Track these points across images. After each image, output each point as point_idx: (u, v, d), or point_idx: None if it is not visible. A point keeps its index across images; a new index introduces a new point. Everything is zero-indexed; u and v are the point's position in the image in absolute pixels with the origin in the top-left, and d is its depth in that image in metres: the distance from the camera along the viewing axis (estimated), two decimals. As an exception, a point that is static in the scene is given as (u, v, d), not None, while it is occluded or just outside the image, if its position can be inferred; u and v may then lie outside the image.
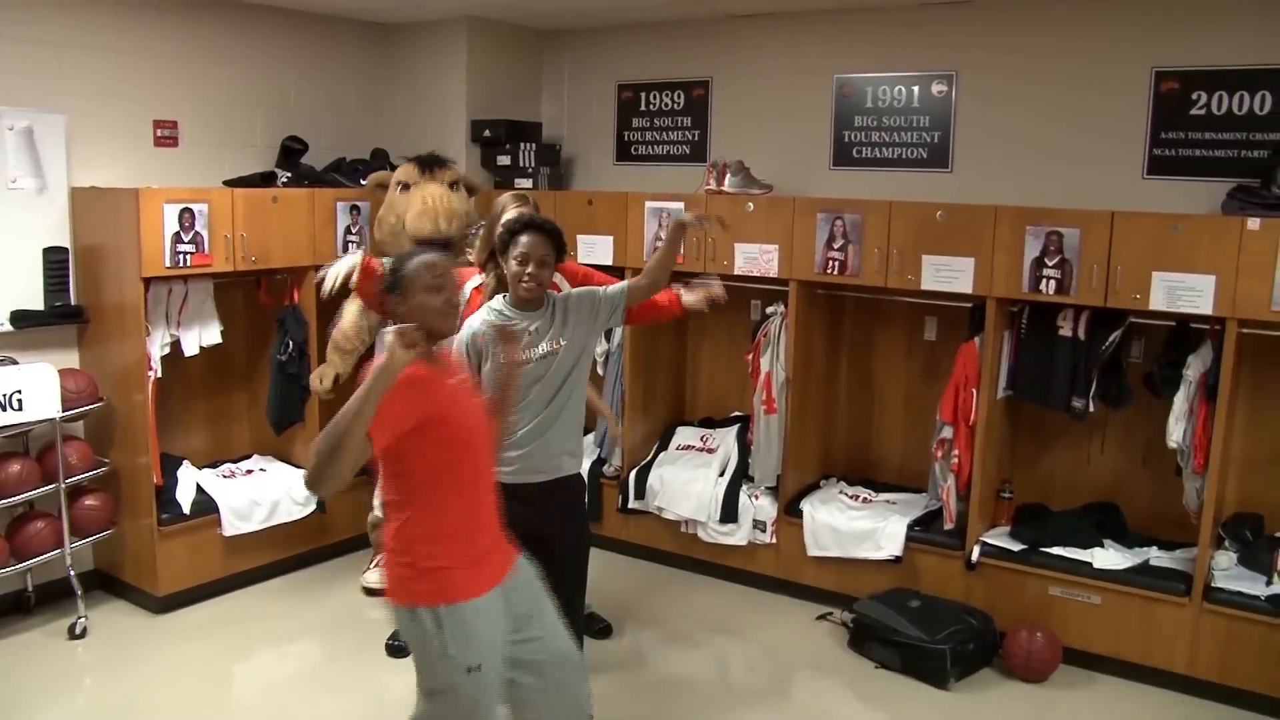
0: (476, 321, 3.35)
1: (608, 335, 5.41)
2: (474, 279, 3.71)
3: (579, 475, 3.60)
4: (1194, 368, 4.23)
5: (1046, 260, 4.32)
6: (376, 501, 4.79)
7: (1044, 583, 4.46)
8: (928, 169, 5.19)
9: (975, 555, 4.58)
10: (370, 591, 4.95)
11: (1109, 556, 4.42)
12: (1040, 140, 4.89)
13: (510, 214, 3.67)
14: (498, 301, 3.40)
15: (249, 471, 5.28)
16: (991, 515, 4.80)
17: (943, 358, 5.04)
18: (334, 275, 3.70)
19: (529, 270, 3.24)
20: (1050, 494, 4.91)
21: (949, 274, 4.55)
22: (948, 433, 4.65)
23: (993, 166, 5.00)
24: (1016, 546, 4.57)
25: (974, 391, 4.55)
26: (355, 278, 3.69)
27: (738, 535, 5.14)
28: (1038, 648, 4.28)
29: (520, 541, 2.95)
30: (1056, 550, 4.50)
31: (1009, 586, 4.53)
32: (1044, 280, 4.33)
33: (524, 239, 3.25)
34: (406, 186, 4.94)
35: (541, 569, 2.99)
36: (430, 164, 4.97)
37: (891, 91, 5.22)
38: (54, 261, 4.72)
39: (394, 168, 5.50)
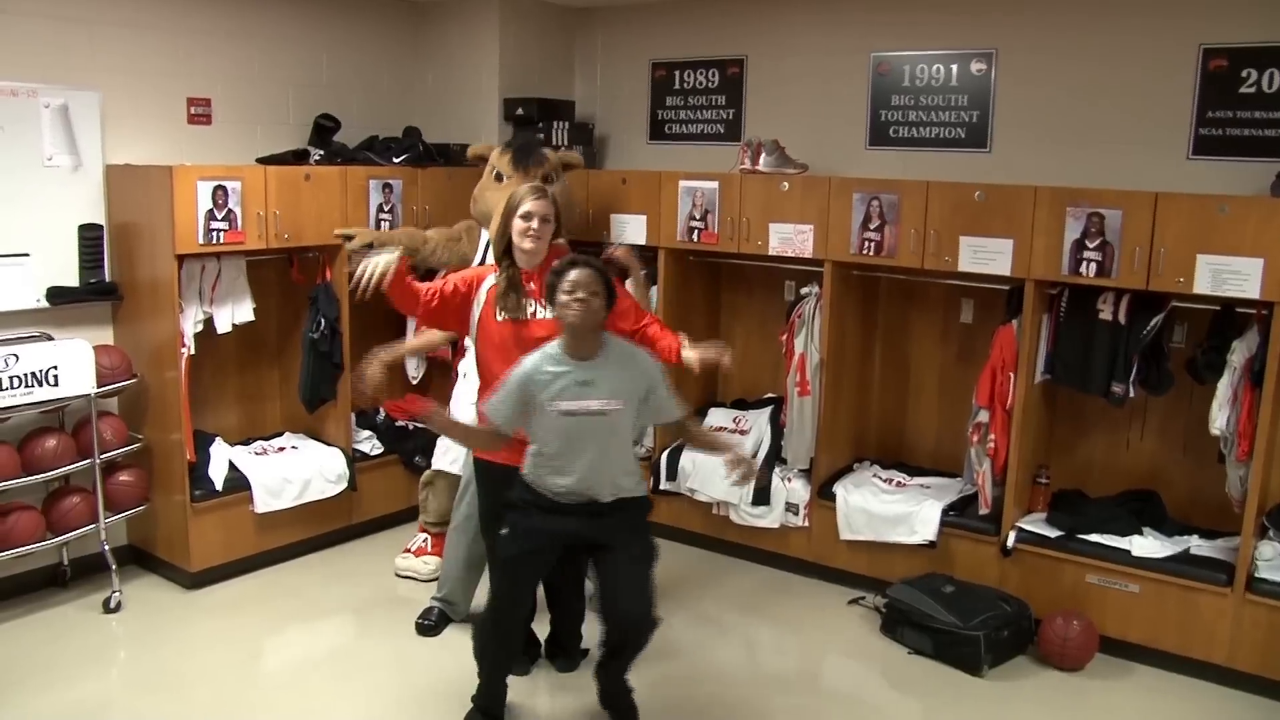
0: (531, 363, 3.38)
1: None
2: (489, 279, 3.72)
3: (644, 497, 3.59)
4: (1239, 353, 4.13)
5: (1087, 242, 4.24)
6: (436, 456, 4.80)
7: (1080, 570, 4.40)
8: (966, 149, 5.12)
9: (1011, 541, 4.52)
10: (403, 576, 4.95)
11: (1148, 544, 4.35)
12: (1082, 119, 4.81)
13: (526, 205, 3.67)
14: (552, 347, 3.39)
15: (281, 449, 5.26)
16: (1028, 501, 4.73)
17: (979, 341, 4.97)
18: (369, 274, 3.60)
19: (577, 297, 3.27)
20: (1087, 480, 4.84)
21: (987, 255, 4.48)
22: (984, 417, 4.60)
23: (1032, 146, 4.92)
24: (1053, 533, 4.50)
25: (1011, 375, 4.49)
26: (389, 280, 3.62)
27: (770, 518, 5.11)
28: (1074, 635, 4.22)
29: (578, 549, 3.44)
30: (1094, 537, 4.43)
31: (1045, 573, 4.48)
32: (1084, 262, 4.25)
33: (572, 274, 3.30)
34: (500, 176, 4.81)
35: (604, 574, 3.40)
36: (525, 160, 4.84)
37: (929, 70, 5.15)
38: (89, 238, 4.71)
39: (426, 149, 5.53)
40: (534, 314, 3.66)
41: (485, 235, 4.80)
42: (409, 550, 5.02)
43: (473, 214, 4.98)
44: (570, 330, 3.32)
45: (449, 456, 4.72)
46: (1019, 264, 4.41)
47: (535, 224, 3.66)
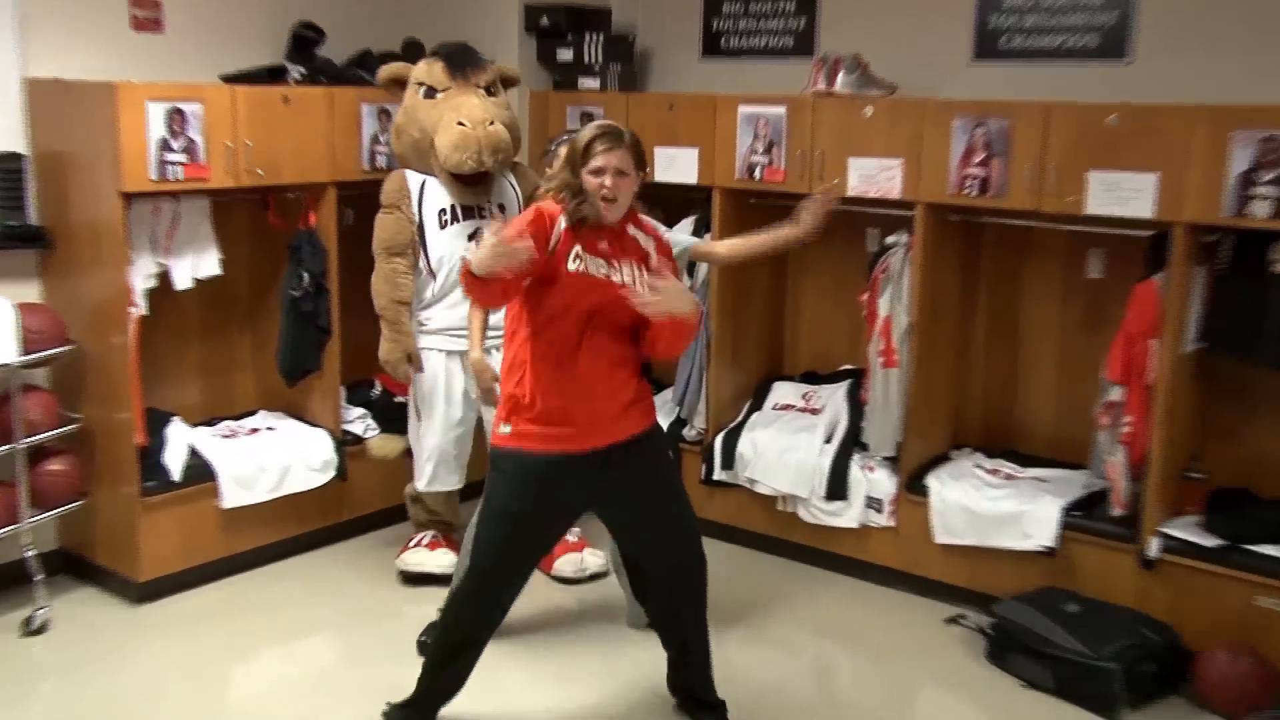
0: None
1: (690, 271, 5.31)
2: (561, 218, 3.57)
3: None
4: None
5: (1259, 175, 4.02)
6: (421, 481, 4.81)
7: (1247, 590, 4.21)
8: (1099, 60, 4.92)
9: (1154, 550, 4.34)
10: (409, 577, 4.85)
11: (1337, 560, 4.11)
12: (1253, 19, 4.61)
13: (596, 159, 3.46)
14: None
15: (254, 430, 5.18)
16: (1175, 500, 4.53)
17: (1110, 301, 4.79)
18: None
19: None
20: (1256, 477, 4.61)
21: (1123, 194, 4.29)
22: (1117, 394, 4.43)
23: (1188, 55, 4.70)
24: (1210, 542, 4.30)
25: (1152, 343, 4.32)
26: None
27: (847, 516, 5.00)
28: (1241, 674, 3.98)
29: None
30: (1264, 549, 4.24)
31: (1200, 593, 4.28)
32: (1255, 200, 4.04)
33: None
34: (432, 91, 4.66)
35: None
36: (461, 63, 4.68)
37: (1053, -42, 4.99)
38: (6, 171, 4.59)
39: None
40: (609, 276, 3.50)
41: (417, 182, 4.66)
42: (416, 543, 4.88)
43: (396, 153, 4.83)
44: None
45: (429, 472, 4.71)
46: (1166, 204, 4.22)
47: (609, 180, 3.47)
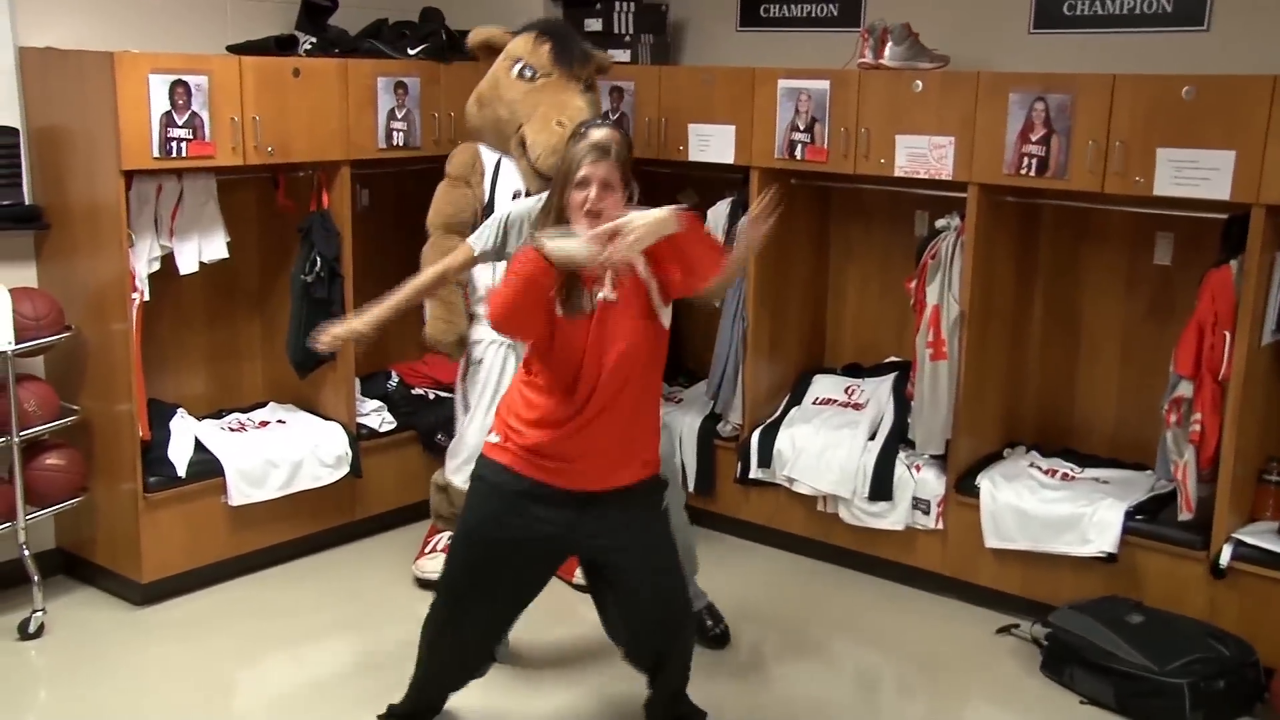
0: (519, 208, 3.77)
1: None
2: None
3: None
4: None
5: None
6: (450, 469, 4.77)
7: None
8: (1171, 27, 4.81)
9: (1226, 558, 4.25)
10: (427, 584, 4.76)
11: None
12: None
13: (583, 169, 3.41)
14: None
15: (263, 424, 5.15)
16: (1250, 505, 4.47)
17: (1180, 289, 4.74)
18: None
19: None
20: None
21: (1196, 174, 4.20)
22: (1186, 390, 4.34)
23: (1273, 19, 4.58)
24: None
25: (1226, 335, 4.23)
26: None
27: (892, 517, 4.96)
28: None
29: None
30: None
31: (1276, 604, 4.20)
32: None
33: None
34: (530, 74, 4.60)
35: None
36: (569, 54, 4.63)
37: (1125, -86, 4.95)
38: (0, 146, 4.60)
39: (450, 37, 5.35)
40: (600, 299, 3.38)
41: (492, 159, 4.63)
42: (433, 548, 4.84)
43: (472, 126, 4.78)
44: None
45: (464, 470, 4.56)
46: (1243, 185, 4.12)
47: (593, 191, 3.42)
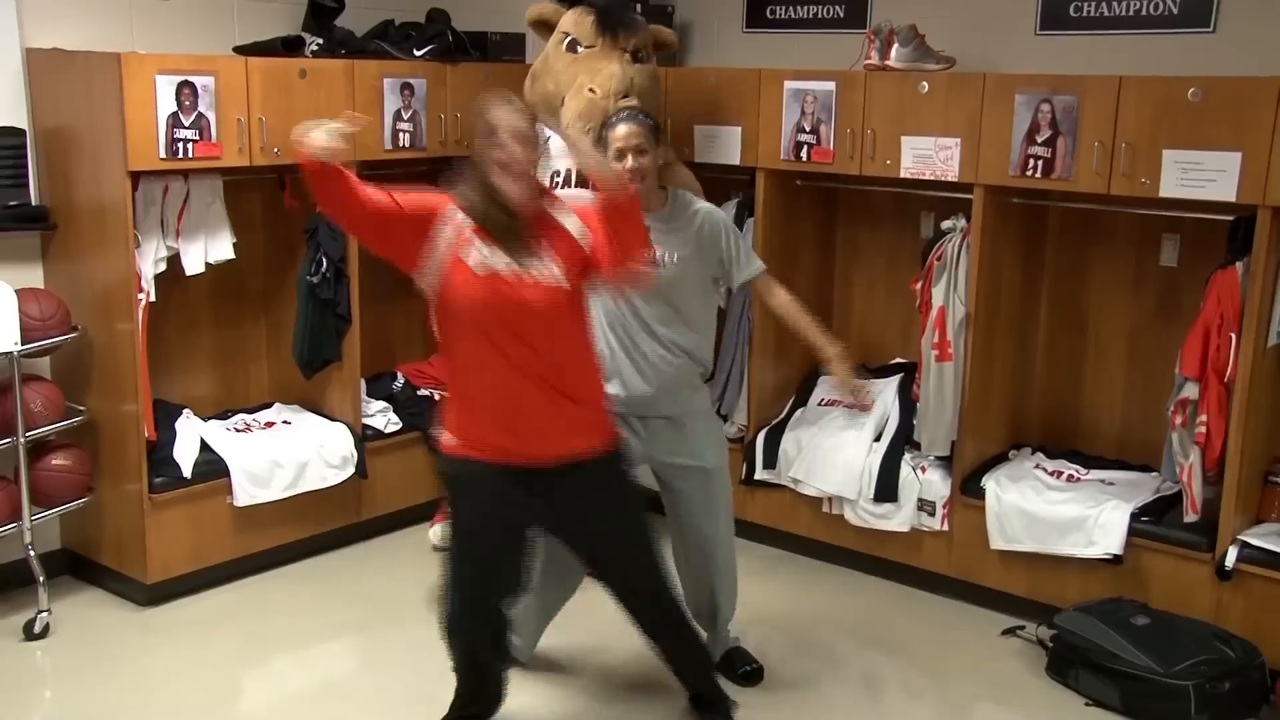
0: None
1: None
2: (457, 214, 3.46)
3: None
4: None
5: None
6: None
7: None
8: (1178, 29, 4.78)
9: (1231, 560, 4.24)
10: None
11: None
12: None
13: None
14: None
15: (269, 424, 5.15)
16: (1256, 507, 4.46)
17: (1186, 290, 4.72)
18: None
19: (628, 164, 3.65)
20: None
21: (1202, 175, 4.19)
22: (1192, 391, 4.33)
23: (1278, 21, 4.56)
24: None
25: (1233, 336, 4.22)
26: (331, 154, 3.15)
27: (898, 519, 4.96)
28: None
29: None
30: None
31: None
32: None
33: (618, 132, 3.71)
34: (575, 45, 4.66)
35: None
36: (612, 22, 4.66)
37: (1131, -84, 4.96)
38: (7, 148, 4.56)
39: (457, 39, 5.39)
40: (529, 270, 3.27)
41: (542, 132, 4.50)
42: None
43: (526, 100, 4.72)
44: None
45: None
46: (1249, 186, 4.11)
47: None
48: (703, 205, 3.90)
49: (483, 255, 3.24)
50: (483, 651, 3.64)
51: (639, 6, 5.62)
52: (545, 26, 4.85)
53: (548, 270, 3.22)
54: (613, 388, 3.68)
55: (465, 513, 3.45)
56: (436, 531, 4.95)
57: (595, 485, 3.45)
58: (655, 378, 3.78)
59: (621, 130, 3.67)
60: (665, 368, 3.78)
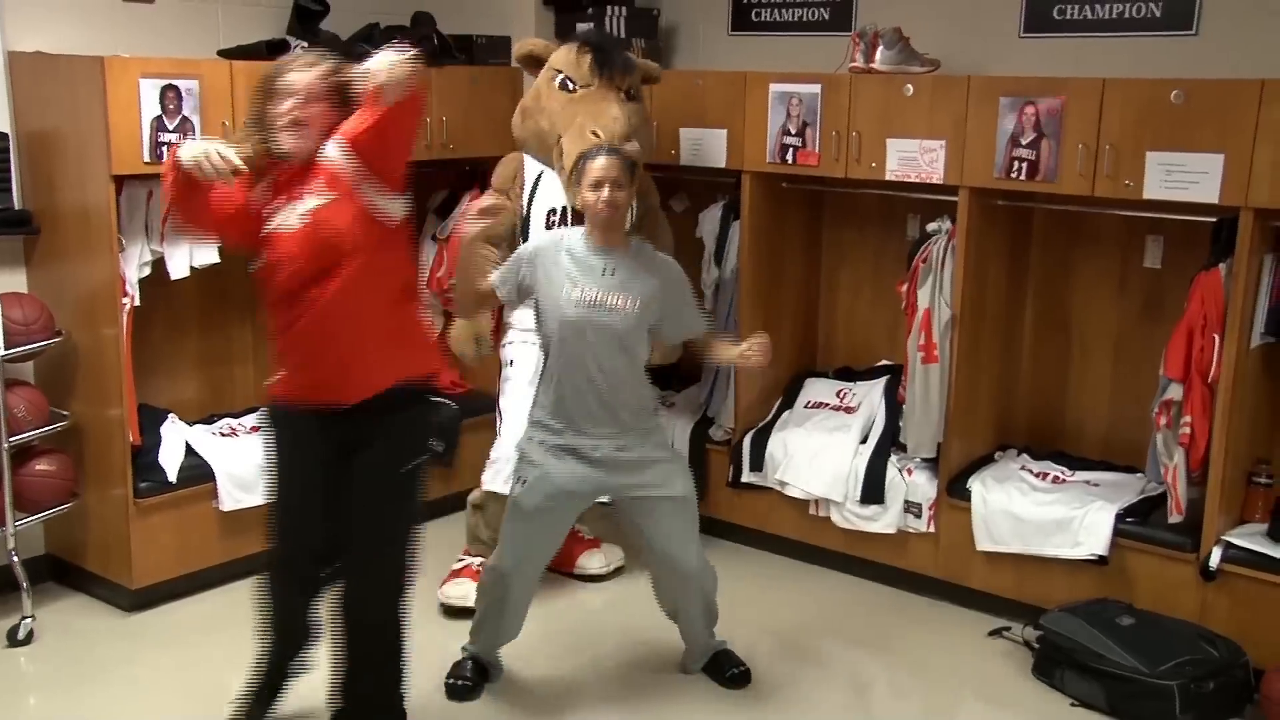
0: (548, 239, 3.90)
1: (719, 261, 5.34)
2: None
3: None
4: None
5: None
6: (486, 477, 4.65)
7: None
8: (1161, 31, 4.81)
9: (1215, 560, 4.25)
10: (452, 611, 4.64)
11: None
12: None
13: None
14: (573, 234, 3.83)
15: (254, 429, 5.02)
16: (1240, 507, 4.48)
17: (1170, 292, 4.75)
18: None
19: (604, 196, 3.69)
20: None
21: (1185, 177, 4.21)
22: (1176, 393, 4.34)
23: (1261, 24, 4.59)
24: (1278, 552, 4.22)
25: (1216, 338, 4.24)
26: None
27: (884, 521, 4.96)
28: None
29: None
30: None
31: (1266, 606, 4.19)
32: None
33: (600, 162, 3.73)
34: (569, 84, 4.57)
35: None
36: (610, 62, 4.58)
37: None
38: None
39: (441, 42, 5.34)
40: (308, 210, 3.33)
41: (535, 171, 4.60)
42: (459, 572, 4.68)
43: (516, 135, 4.75)
44: (598, 225, 3.75)
45: (503, 472, 4.42)
46: (1232, 188, 4.13)
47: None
48: (664, 256, 3.93)
49: (281, 215, 3.32)
50: (291, 599, 3.60)
51: (623, 11, 5.67)
52: (535, 62, 4.79)
53: (316, 202, 3.24)
54: (573, 432, 3.71)
55: (275, 454, 3.52)
56: (447, 591, 4.70)
57: (382, 418, 3.38)
58: (616, 419, 3.75)
59: (601, 161, 3.68)
60: (623, 412, 3.76)
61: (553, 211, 4.51)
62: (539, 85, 4.72)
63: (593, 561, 4.93)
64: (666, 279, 3.81)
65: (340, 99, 3.31)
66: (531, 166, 4.63)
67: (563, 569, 4.86)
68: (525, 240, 4.35)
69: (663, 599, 4.06)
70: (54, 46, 4.62)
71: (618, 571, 4.93)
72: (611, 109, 4.53)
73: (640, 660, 4.29)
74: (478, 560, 4.64)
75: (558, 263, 3.68)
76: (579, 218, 4.24)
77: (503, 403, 4.58)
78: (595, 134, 4.40)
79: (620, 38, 5.03)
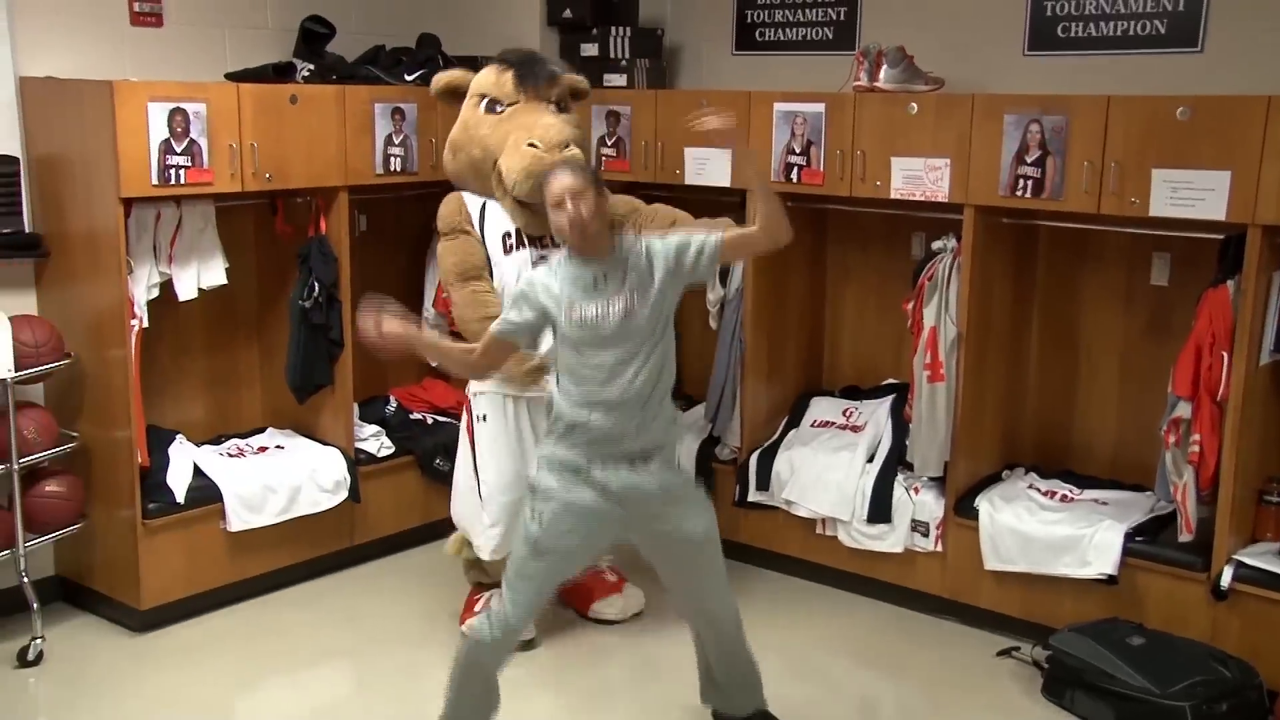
0: (538, 273, 3.72)
1: (723, 279, 5.28)
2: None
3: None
4: None
5: None
6: (481, 544, 4.49)
7: None
8: (1166, 49, 4.82)
9: (1227, 579, 4.21)
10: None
11: None
12: None
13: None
14: (559, 258, 3.70)
15: (262, 449, 5.14)
16: (1251, 526, 4.45)
17: (1178, 309, 4.71)
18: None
19: (569, 212, 3.55)
20: None
21: (1192, 194, 4.19)
22: (1185, 411, 4.31)
23: (1266, 41, 4.58)
24: None
25: (1225, 355, 4.20)
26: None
27: (891, 540, 4.93)
28: None
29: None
30: None
31: (1279, 626, 4.17)
32: None
33: (554, 182, 3.60)
34: (495, 105, 4.41)
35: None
36: (533, 75, 4.40)
37: (1118, -63, 4.98)
38: (0, 175, 4.58)
39: (447, 63, 5.29)
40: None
41: (477, 205, 4.43)
42: (482, 606, 4.52)
43: (450, 172, 4.59)
44: (574, 242, 3.62)
45: (490, 534, 4.37)
46: (1239, 205, 4.10)
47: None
48: (635, 238, 3.72)
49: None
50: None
51: (627, 32, 5.69)
52: (454, 95, 4.61)
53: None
54: (590, 460, 3.50)
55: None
56: (472, 625, 4.56)
57: None
58: (636, 440, 3.54)
59: (554, 180, 3.54)
60: (643, 436, 3.55)
61: (508, 235, 4.33)
62: (464, 116, 4.54)
63: (609, 609, 4.76)
64: (655, 251, 3.61)
65: None
66: (473, 202, 4.44)
67: (575, 605, 4.75)
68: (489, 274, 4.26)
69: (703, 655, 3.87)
70: (64, 71, 4.65)
71: (636, 616, 4.72)
72: (544, 118, 4.36)
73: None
74: (489, 594, 4.51)
75: (549, 290, 3.55)
76: (540, 240, 4.22)
77: (479, 462, 4.39)
78: (533, 145, 4.25)
79: (534, 51, 4.81)
